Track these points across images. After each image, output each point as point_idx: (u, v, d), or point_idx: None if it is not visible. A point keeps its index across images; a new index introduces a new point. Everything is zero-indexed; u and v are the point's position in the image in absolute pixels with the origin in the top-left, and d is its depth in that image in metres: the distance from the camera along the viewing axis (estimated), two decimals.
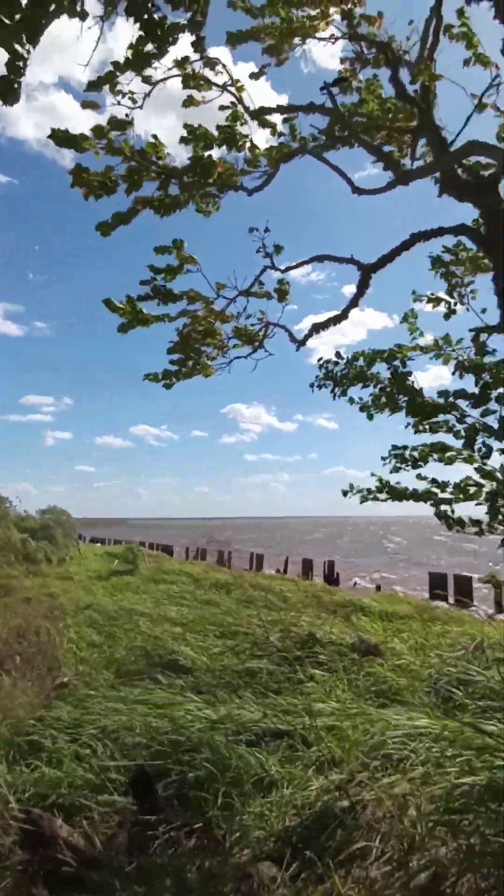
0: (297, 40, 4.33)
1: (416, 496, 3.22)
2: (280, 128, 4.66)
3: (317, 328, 4.53)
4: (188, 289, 4.68)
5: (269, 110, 4.42)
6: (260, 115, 4.33)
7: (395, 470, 3.38)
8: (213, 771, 3.21)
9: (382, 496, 3.34)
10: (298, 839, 2.65)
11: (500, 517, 3.01)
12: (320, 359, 3.82)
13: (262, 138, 4.33)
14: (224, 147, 4.20)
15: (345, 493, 3.54)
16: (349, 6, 4.14)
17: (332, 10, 4.13)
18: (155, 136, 3.83)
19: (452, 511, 3.13)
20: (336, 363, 3.72)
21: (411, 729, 3.29)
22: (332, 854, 2.49)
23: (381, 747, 3.16)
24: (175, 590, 12.09)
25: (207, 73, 4.13)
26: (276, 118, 4.57)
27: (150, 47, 3.12)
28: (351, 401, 3.85)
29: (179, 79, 4.09)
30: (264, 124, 4.53)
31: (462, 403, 3.23)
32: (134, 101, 3.76)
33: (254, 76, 4.43)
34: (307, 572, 19.69)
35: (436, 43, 4.20)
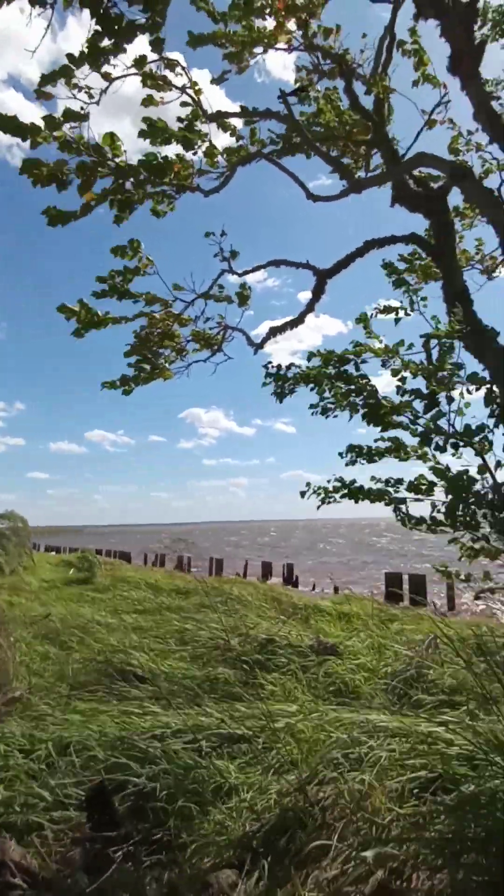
0: (258, 49, 4.38)
1: (371, 495, 3.29)
2: (239, 131, 4.69)
3: (274, 332, 4.57)
4: (145, 291, 4.61)
5: (228, 114, 4.44)
6: (218, 118, 4.34)
7: (352, 462, 3.44)
8: (171, 781, 3.16)
9: (339, 495, 3.39)
10: (259, 844, 2.63)
11: (458, 517, 3.11)
12: (268, 363, 3.84)
13: (220, 142, 4.36)
14: (182, 146, 4.18)
15: (302, 494, 3.58)
16: (305, 17, 4.22)
17: (290, 21, 4.20)
18: (112, 133, 3.76)
19: (407, 509, 3.23)
20: (288, 367, 3.76)
21: (369, 726, 3.34)
22: (293, 856, 2.49)
23: (340, 746, 3.19)
24: (133, 597, 11.86)
25: (167, 74, 4.11)
26: (235, 122, 4.60)
27: (106, 42, 3.08)
28: (312, 407, 3.90)
29: (137, 81, 4.05)
30: (225, 127, 4.55)
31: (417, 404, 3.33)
32: (91, 97, 3.69)
33: (215, 81, 4.44)
34: (266, 575, 19.78)
35: (389, 58, 4.35)
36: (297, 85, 4.54)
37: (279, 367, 3.78)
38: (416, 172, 4.14)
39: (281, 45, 4.32)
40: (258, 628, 7.06)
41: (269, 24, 4.17)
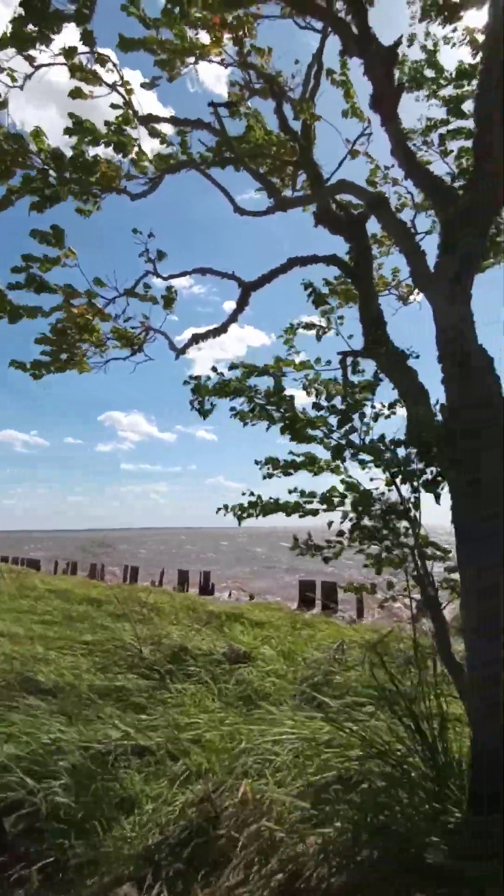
0: (190, 59, 4.39)
1: (285, 508, 3.38)
2: (170, 139, 4.67)
3: (196, 338, 4.57)
4: (64, 284, 4.42)
5: (159, 119, 4.40)
6: (149, 121, 4.30)
7: (268, 476, 3.53)
8: (70, 797, 3.03)
9: (256, 511, 3.45)
10: (161, 857, 2.59)
11: (360, 534, 3.26)
12: (190, 376, 3.75)
13: (148, 146, 4.33)
14: (111, 148, 4.09)
15: (218, 510, 3.60)
16: (240, 34, 4.31)
17: (224, 36, 4.27)
18: (38, 128, 3.61)
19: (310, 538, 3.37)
20: (212, 371, 3.72)
21: (275, 734, 3.40)
22: (196, 867, 2.48)
23: (247, 754, 3.22)
24: (40, 607, 11.25)
25: (97, 69, 4.01)
26: (166, 128, 4.58)
27: (31, 28, 2.96)
28: (238, 414, 3.90)
29: (65, 70, 3.91)
30: (154, 133, 4.50)
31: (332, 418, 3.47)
32: (14, 80, 3.52)
33: (145, 86, 4.38)
34: (182, 583, 19.57)
35: (316, 85, 4.54)
36: (229, 99, 4.61)
37: (198, 378, 3.69)
38: (338, 198, 4.34)
39: (214, 57, 4.37)
40: (171, 637, 6.97)
41: (203, 36, 4.20)
